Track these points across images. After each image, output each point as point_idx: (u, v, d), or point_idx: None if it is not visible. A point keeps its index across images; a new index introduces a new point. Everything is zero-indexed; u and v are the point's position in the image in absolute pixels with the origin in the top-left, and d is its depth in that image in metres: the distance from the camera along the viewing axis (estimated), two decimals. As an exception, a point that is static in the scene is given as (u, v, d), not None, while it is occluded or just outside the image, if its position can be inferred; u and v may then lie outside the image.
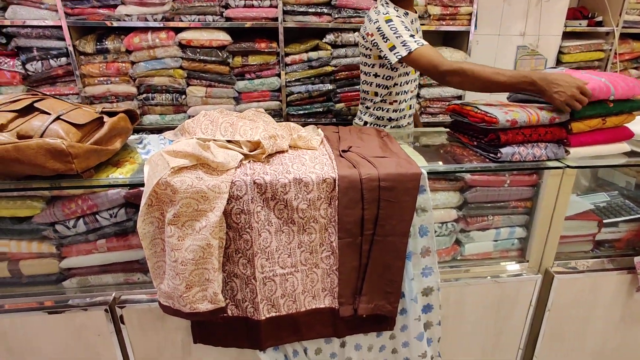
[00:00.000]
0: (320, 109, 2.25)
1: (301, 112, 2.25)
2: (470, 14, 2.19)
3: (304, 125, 1.52)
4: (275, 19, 2.04)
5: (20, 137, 1.05)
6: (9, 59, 1.99)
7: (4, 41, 1.96)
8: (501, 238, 1.39)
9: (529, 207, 1.37)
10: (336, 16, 2.09)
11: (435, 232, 1.33)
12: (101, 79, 2.05)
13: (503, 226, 1.38)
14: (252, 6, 2.01)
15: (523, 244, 1.42)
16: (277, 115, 2.25)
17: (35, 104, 1.13)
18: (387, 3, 1.58)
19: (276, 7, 2.03)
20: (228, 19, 2.03)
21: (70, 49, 1.97)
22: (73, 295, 1.23)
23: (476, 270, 1.39)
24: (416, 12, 1.68)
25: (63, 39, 1.96)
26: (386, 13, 1.49)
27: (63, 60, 2.01)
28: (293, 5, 2.05)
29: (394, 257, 1.21)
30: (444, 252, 1.37)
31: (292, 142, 1.33)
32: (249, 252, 1.15)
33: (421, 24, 2.14)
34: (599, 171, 1.75)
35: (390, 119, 1.76)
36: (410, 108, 1.78)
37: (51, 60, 2.00)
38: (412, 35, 1.46)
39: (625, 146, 1.37)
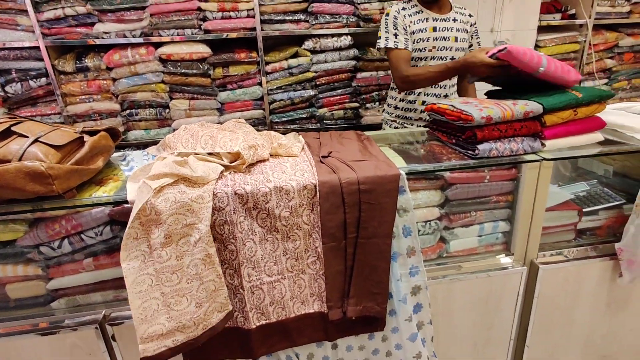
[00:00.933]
0: (304, 115, 2.27)
1: (284, 119, 2.27)
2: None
3: (287, 132, 1.55)
4: (254, 29, 2.06)
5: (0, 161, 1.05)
6: (-12, 83, 1.99)
7: (-18, 65, 1.96)
8: (485, 233, 1.41)
9: (510, 200, 1.39)
10: (313, 22, 2.11)
11: (419, 231, 1.35)
12: (83, 97, 2.05)
13: (486, 221, 1.40)
14: (230, 17, 2.03)
15: (507, 237, 1.44)
16: (261, 123, 2.26)
17: (13, 128, 1.13)
18: (407, 2, 1.78)
19: (254, 17, 2.05)
20: (207, 31, 2.04)
21: (50, 69, 1.97)
22: (62, 316, 1.23)
23: (463, 266, 1.41)
24: (449, 13, 1.78)
25: (41, 59, 1.97)
26: (390, 7, 1.75)
27: (43, 80, 2.01)
28: (270, 14, 2.07)
29: (379, 259, 1.22)
30: (429, 250, 1.39)
31: (273, 151, 1.35)
32: (234, 262, 1.16)
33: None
34: (578, 161, 1.79)
35: (397, 108, 1.88)
36: (422, 104, 1.87)
37: (30, 81, 2.01)
38: (396, 35, 1.69)
39: (598, 136, 1.41)
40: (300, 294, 1.22)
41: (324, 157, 1.30)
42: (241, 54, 2.09)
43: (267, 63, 2.14)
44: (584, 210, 1.50)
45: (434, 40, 1.75)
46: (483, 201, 1.37)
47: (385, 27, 1.73)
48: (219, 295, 1.11)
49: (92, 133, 1.28)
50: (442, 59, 1.77)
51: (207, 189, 1.10)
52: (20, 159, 1.05)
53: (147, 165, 1.20)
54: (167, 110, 2.14)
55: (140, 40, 2.00)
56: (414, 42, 1.73)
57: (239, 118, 2.23)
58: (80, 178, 1.14)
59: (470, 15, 1.84)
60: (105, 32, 1.96)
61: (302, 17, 2.10)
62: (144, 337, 1.04)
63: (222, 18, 2.02)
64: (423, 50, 1.76)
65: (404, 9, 1.76)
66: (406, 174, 1.21)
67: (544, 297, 1.44)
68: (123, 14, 1.95)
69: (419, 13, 1.75)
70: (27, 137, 1.11)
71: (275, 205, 1.14)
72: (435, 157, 1.34)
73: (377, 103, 2.34)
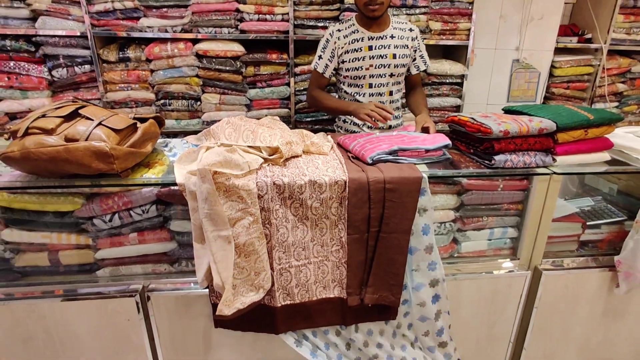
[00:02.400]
0: (327, 117, 2.39)
1: (308, 119, 2.39)
2: (469, 30, 2.34)
3: (312, 131, 1.68)
4: (286, 32, 2.19)
5: (68, 140, 1.18)
6: (36, 66, 2.12)
7: (32, 49, 2.09)
8: (494, 237, 1.53)
9: (520, 209, 1.50)
10: (343, 30, 2.23)
11: (435, 231, 1.47)
12: (122, 85, 2.18)
13: (496, 226, 1.51)
14: (265, 20, 2.15)
15: (514, 243, 1.55)
16: (286, 121, 2.38)
17: (80, 111, 1.26)
18: (343, 20, 1.84)
19: (287, 21, 2.17)
20: (242, 32, 2.17)
21: (95, 57, 2.10)
22: (106, 284, 1.36)
23: (471, 266, 1.52)
24: (386, 30, 1.79)
25: (88, 48, 2.10)
26: (330, 27, 1.84)
27: (87, 67, 2.14)
28: (303, 20, 2.19)
29: (397, 252, 1.34)
30: (442, 249, 1.50)
31: (305, 148, 1.47)
32: (268, 246, 1.28)
33: (423, 39, 2.29)
34: (585, 178, 1.90)
35: (353, 124, 1.94)
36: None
37: (76, 68, 2.14)
38: (320, 57, 1.83)
39: (606, 155, 1.51)
40: (323, 279, 1.34)
41: (354, 157, 1.42)
42: (273, 54, 2.22)
43: (296, 65, 2.26)
44: (587, 223, 1.61)
45: (370, 58, 1.77)
46: (495, 208, 1.49)
47: (319, 47, 1.83)
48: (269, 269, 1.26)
49: (142, 120, 1.41)
50: (381, 76, 1.80)
51: (251, 178, 1.23)
52: (86, 139, 1.18)
53: (192, 152, 1.32)
54: (199, 103, 2.26)
55: (180, 35, 2.12)
56: (350, 62, 1.76)
57: (266, 115, 2.36)
58: (135, 160, 1.27)
59: (411, 30, 1.82)
60: (149, 27, 2.09)
61: (332, 23, 2.22)
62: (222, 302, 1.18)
63: (258, 20, 2.15)
64: (360, 69, 1.78)
65: (339, 30, 1.79)
66: (428, 177, 1.33)
67: (545, 301, 1.55)
68: (167, 10, 2.08)
69: (354, 33, 1.77)
70: (92, 120, 1.24)
71: (308, 197, 1.26)
72: (453, 165, 1.45)
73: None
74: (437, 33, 2.33)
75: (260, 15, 2.14)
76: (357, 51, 1.76)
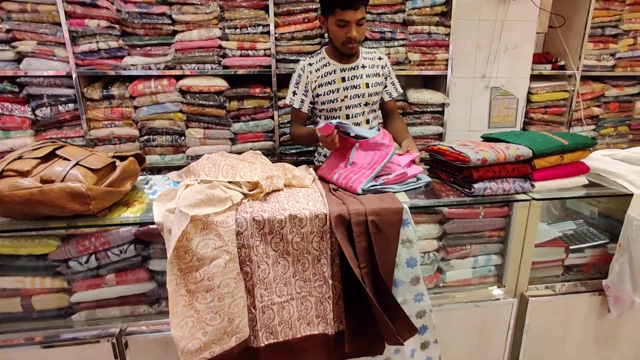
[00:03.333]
0: (312, 148, 2.40)
1: (293, 151, 2.41)
2: (447, 60, 2.41)
3: (296, 163, 1.69)
4: (269, 67, 2.23)
5: (43, 181, 1.17)
6: (19, 106, 2.12)
7: (16, 90, 2.11)
8: (479, 265, 1.52)
9: (503, 236, 1.51)
10: (324, 64, 2.29)
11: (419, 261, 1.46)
12: (105, 122, 2.19)
13: (480, 254, 1.51)
14: (248, 55, 2.20)
15: (499, 270, 1.55)
16: (271, 154, 2.40)
17: (57, 152, 1.26)
18: (314, 54, 1.86)
19: (269, 56, 2.22)
20: (225, 67, 2.21)
21: (78, 95, 2.12)
22: (82, 328, 1.31)
23: (457, 295, 1.50)
24: (357, 61, 1.82)
25: (72, 87, 2.11)
26: (300, 62, 1.84)
27: (71, 106, 2.15)
28: (285, 54, 2.25)
29: (382, 285, 1.32)
30: (427, 279, 1.49)
31: (287, 181, 1.47)
32: (249, 283, 1.26)
33: (402, 69, 2.36)
34: (567, 202, 1.92)
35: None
36: None
37: (60, 106, 2.15)
38: (294, 93, 1.83)
39: (583, 180, 1.54)
40: (307, 315, 1.31)
41: (334, 189, 1.42)
42: (256, 89, 2.25)
43: (279, 98, 2.30)
44: (570, 247, 1.61)
45: (344, 90, 1.79)
46: (478, 235, 1.49)
47: (292, 83, 1.83)
48: (247, 310, 1.23)
49: (121, 158, 1.41)
50: (357, 106, 1.83)
51: (230, 214, 1.22)
52: (62, 180, 1.17)
53: (172, 190, 1.31)
54: (183, 138, 2.27)
55: (164, 72, 2.15)
56: (325, 94, 1.79)
57: (250, 149, 2.37)
58: (112, 199, 1.26)
59: (380, 58, 1.85)
60: (133, 65, 2.12)
61: (303, 58, 2.27)
62: (184, 352, 1.14)
63: (241, 56, 2.19)
64: (335, 100, 1.80)
65: (310, 64, 1.81)
66: (409, 207, 1.33)
67: (534, 328, 1.53)
68: (150, 49, 2.12)
69: (326, 66, 1.79)
70: (69, 160, 1.23)
71: (288, 232, 1.25)
72: (435, 194, 1.46)
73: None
74: (416, 64, 2.39)
75: (242, 51, 2.19)
76: (330, 84, 1.79)
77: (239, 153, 2.29)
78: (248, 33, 2.17)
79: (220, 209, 1.21)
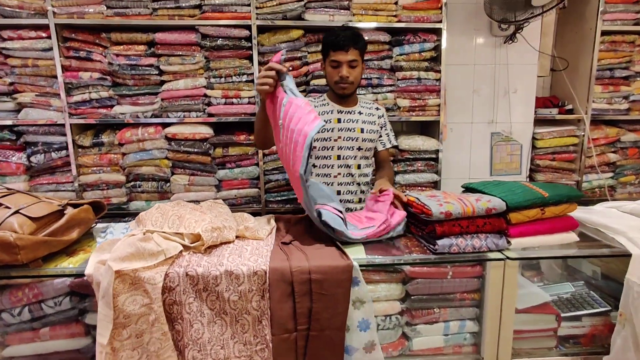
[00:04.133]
0: (294, 196, 2.34)
1: (279, 198, 2.35)
2: (439, 105, 2.33)
3: (282, 212, 1.62)
4: (254, 114, 2.24)
5: (-21, 229, 1.16)
6: (16, 152, 2.23)
7: (14, 138, 2.22)
8: (451, 332, 1.34)
9: (477, 299, 1.33)
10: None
11: (379, 325, 1.30)
12: (94, 168, 2.24)
13: (452, 319, 1.33)
14: (232, 103, 2.22)
15: (476, 338, 1.35)
16: (256, 202, 2.35)
17: (1, 199, 1.26)
18: (317, 97, 1.95)
19: (254, 104, 2.23)
20: (210, 115, 2.24)
21: (70, 143, 2.20)
22: (12, 387, 1.24)
23: (428, 368, 1.32)
24: (355, 106, 1.89)
25: (65, 135, 2.20)
26: None
27: (63, 152, 2.23)
28: (270, 102, 2.25)
29: (332, 354, 1.19)
30: (390, 346, 1.32)
31: (240, 233, 1.39)
32: (180, 343, 1.16)
33: (392, 115, 2.30)
34: (567, 260, 1.70)
35: None
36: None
37: (52, 153, 2.23)
38: None
39: (572, 236, 1.36)
40: (246, 384, 1.18)
41: (284, 243, 1.33)
42: (240, 136, 2.25)
43: (265, 145, 2.28)
44: (564, 315, 1.40)
45: (338, 130, 1.84)
46: (447, 298, 1.32)
47: None
48: None
49: (75, 206, 1.39)
50: (350, 149, 1.85)
51: (161, 269, 1.15)
52: (-3, 229, 1.15)
53: (114, 240, 1.27)
54: (168, 184, 2.28)
55: (152, 120, 2.21)
56: (320, 132, 1.77)
57: (235, 196, 2.34)
58: (49, 249, 1.22)
59: (377, 109, 1.93)
60: (122, 113, 2.19)
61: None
62: None
63: (225, 104, 2.22)
64: (329, 139, 1.84)
65: (312, 101, 1.90)
66: (361, 265, 1.21)
67: (521, 412, 1.30)
68: (138, 98, 2.19)
69: (325, 106, 1.88)
70: (9, 208, 1.23)
71: (224, 289, 1.16)
72: (397, 249, 1.33)
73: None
74: (405, 110, 2.33)
75: (227, 99, 2.21)
76: (327, 122, 1.83)
77: (225, 200, 2.30)
78: (232, 82, 2.21)
79: (151, 263, 1.14)
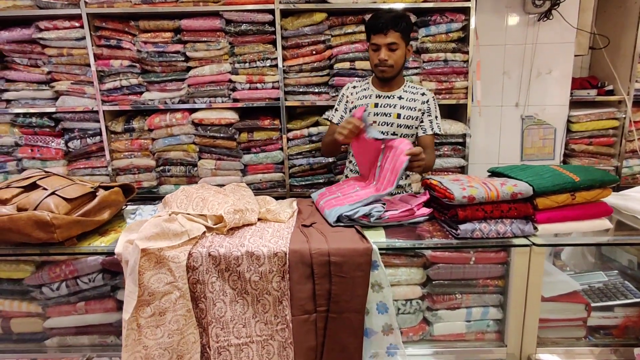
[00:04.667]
0: (321, 180, 2.34)
1: (303, 183, 2.36)
2: (467, 88, 2.25)
3: (306, 196, 1.66)
4: (278, 99, 2.25)
5: (19, 209, 1.23)
6: (55, 139, 2.34)
7: (52, 124, 2.33)
8: (474, 319, 1.32)
9: (501, 286, 1.30)
10: (333, 94, 2.25)
11: (400, 309, 1.30)
12: (126, 153, 2.33)
13: (474, 306, 1.31)
14: (257, 88, 2.24)
15: (500, 326, 1.33)
16: (280, 186, 2.38)
17: (39, 181, 1.33)
18: (361, 79, 1.97)
19: (278, 88, 2.24)
20: (235, 100, 2.26)
21: (103, 129, 2.29)
22: (53, 355, 1.34)
23: (448, 355, 1.31)
24: (395, 91, 1.87)
25: (98, 121, 2.29)
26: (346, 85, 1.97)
27: (97, 138, 2.33)
28: (293, 86, 2.25)
29: (351, 335, 1.19)
30: (411, 330, 1.32)
31: (262, 215, 1.42)
32: (204, 321, 1.20)
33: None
34: (603, 248, 1.63)
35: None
36: None
37: (88, 139, 2.33)
38: (336, 109, 1.94)
39: (605, 223, 1.29)
40: (268, 361, 1.21)
41: (304, 225, 1.34)
42: (265, 121, 2.27)
43: (289, 130, 2.29)
44: (594, 305, 1.34)
45: (375, 115, 1.84)
46: (470, 284, 1.30)
47: (337, 102, 1.95)
48: (197, 346, 1.18)
49: (107, 188, 1.46)
50: (384, 134, 1.82)
51: (184, 249, 1.19)
52: (35, 208, 1.23)
53: (142, 221, 1.32)
54: (196, 169, 2.34)
55: (178, 106, 2.26)
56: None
57: (260, 180, 2.38)
58: (82, 228, 1.29)
59: (423, 94, 1.87)
60: (150, 99, 2.26)
61: (323, 89, 2.25)
62: None
63: (250, 89, 2.24)
64: None
65: (354, 87, 1.92)
66: (381, 249, 1.20)
67: (545, 402, 1.27)
68: (166, 84, 2.25)
69: (365, 90, 1.89)
70: (47, 189, 1.30)
71: (245, 270, 1.18)
72: (418, 234, 1.31)
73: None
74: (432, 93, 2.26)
75: (251, 84, 2.23)
76: (365, 106, 1.82)
77: (250, 184, 2.34)
78: (257, 67, 2.22)
79: (176, 243, 1.18)
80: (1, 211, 1.21)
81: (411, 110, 1.84)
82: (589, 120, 2.37)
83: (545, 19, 2.27)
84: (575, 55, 2.36)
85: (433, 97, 1.89)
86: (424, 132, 1.88)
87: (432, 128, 1.88)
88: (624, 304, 1.35)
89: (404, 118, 1.83)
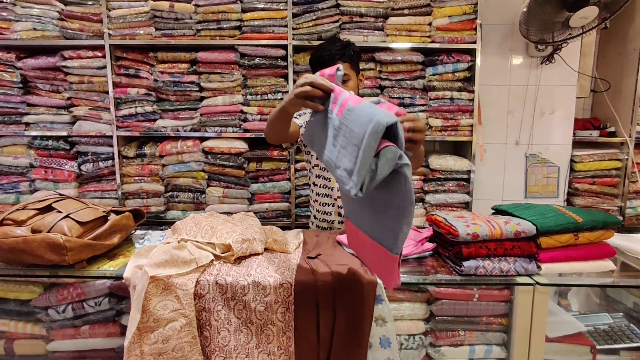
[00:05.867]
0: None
1: (308, 213, 2.39)
2: (472, 125, 2.31)
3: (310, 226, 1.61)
4: (287, 131, 2.31)
5: (34, 231, 1.27)
6: (69, 161, 2.41)
7: (67, 147, 2.40)
8: (477, 357, 1.31)
9: (505, 324, 1.30)
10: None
11: (402, 344, 1.30)
12: (136, 178, 2.38)
13: (477, 343, 1.31)
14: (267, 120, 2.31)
15: (504, 366, 1.31)
16: (286, 215, 2.40)
17: (54, 204, 1.37)
18: None
19: (288, 120, 2.30)
20: (246, 130, 2.33)
21: (116, 153, 2.35)
22: (53, 380, 1.33)
23: (453, 394, 1.29)
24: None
25: (112, 146, 2.36)
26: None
27: (109, 162, 2.39)
28: (303, 119, 2.32)
29: (352, 370, 1.19)
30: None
31: (268, 245, 1.44)
32: (207, 349, 1.20)
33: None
34: (607, 290, 1.62)
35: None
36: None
37: (100, 162, 2.39)
38: (300, 115, 1.68)
39: (609, 264, 1.30)
40: (268, 394, 1.20)
41: (309, 257, 1.36)
42: (274, 152, 2.33)
43: (296, 161, 2.34)
44: (600, 347, 1.33)
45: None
46: (473, 321, 1.30)
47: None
48: None
49: (118, 212, 1.49)
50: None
51: (192, 276, 1.21)
52: (49, 231, 1.26)
53: (151, 246, 1.35)
54: (203, 196, 2.38)
55: (190, 134, 2.33)
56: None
57: (267, 209, 2.40)
58: (93, 252, 1.32)
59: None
60: (164, 127, 2.33)
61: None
62: None
63: (260, 120, 2.31)
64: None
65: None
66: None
67: None
68: (179, 112, 2.33)
69: None
70: (61, 212, 1.34)
71: (251, 299, 1.20)
72: (422, 268, 1.32)
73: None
74: (438, 129, 2.32)
75: (262, 116, 2.30)
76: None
77: (256, 213, 2.37)
78: (268, 99, 2.30)
79: (184, 271, 1.20)
80: (16, 232, 1.25)
81: None
82: (592, 161, 2.41)
83: (547, 62, 2.36)
84: (578, 97, 2.43)
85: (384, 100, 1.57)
86: None
87: None
88: (630, 348, 1.34)
89: None
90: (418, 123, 1.01)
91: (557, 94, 2.39)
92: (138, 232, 1.65)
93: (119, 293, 1.33)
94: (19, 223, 1.28)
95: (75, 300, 1.32)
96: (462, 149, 2.45)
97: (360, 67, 2.27)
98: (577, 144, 2.44)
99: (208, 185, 2.38)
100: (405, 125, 0.96)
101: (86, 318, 1.34)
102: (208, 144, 2.31)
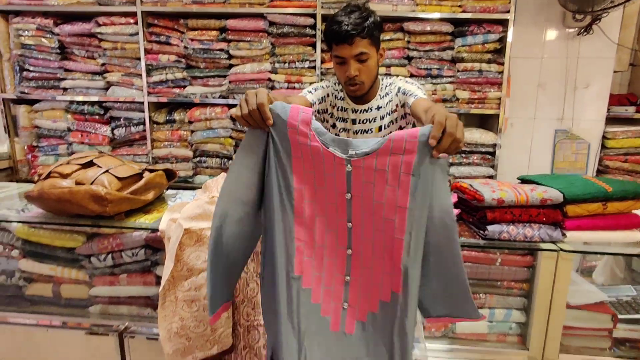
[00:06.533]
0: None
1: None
2: (500, 99, 2.27)
3: None
4: (313, 100, 2.32)
5: (77, 183, 1.35)
6: (103, 125, 2.50)
7: (102, 112, 2.49)
8: (496, 320, 1.34)
9: (526, 289, 1.32)
10: (367, 98, 2.31)
11: (423, 304, 1.34)
12: (166, 143, 2.46)
13: (497, 307, 1.34)
14: (294, 88, 2.33)
15: (522, 329, 1.34)
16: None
17: (95, 160, 1.45)
18: (336, 84, 1.61)
19: (314, 89, 2.32)
20: (273, 99, 2.36)
21: (147, 119, 2.43)
22: (94, 321, 1.44)
23: (469, 354, 1.33)
24: (372, 102, 1.55)
25: (143, 111, 2.43)
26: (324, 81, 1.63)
27: (140, 127, 2.47)
28: (329, 89, 2.33)
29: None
30: (433, 326, 1.35)
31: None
32: (236, 300, 1.27)
33: (449, 107, 2.28)
34: (633, 262, 1.61)
35: None
36: None
37: (132, 127, 2.48)
38: (315, 89, 1.56)
39: (637, 235, 1.29)
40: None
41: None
42: (299, 120, 2.35)
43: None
44: (621, 317, 1.34)
45: (354, 133, 1.59)
46: (494, 285, 1.32)
47: (312, 86, 1.59)
48: (230, 322, 1.25)
49: (152, 171, 1.57)
50: None
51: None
52: (91, 184, 1.34)
53: (183, 203, 1.42)
54: (230, 161, 2.44)
55: (218, 101, 2.37)
56: (336, 127, 1.62)
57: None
58: (130, 205, 1.39)
59: (391, 84, 1.53)
60: (193, 93, 2.38)
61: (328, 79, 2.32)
62: (169, 354, 1.20)
63: (288, 88, 2.33)
64: (347, 135, 1.61)
65: (335, 89, 1.60)
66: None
67: (565, 408, 1.28)
68: (208, 79, 2.37)
69: (342, 100, 1.58)
70: (101, 167, 1.41)
71: (279, 253, 1.25)
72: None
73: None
74: (464, 102, 2.29)
75: (289, 84, 2.32)
76: (343, 121, 1.61)
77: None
78: (296, 67, 2.31)
79: (216, 223, 1.26)
80: (62, 184, 1.33)
81: (391, 114, 1.54)
82: (626, 137, 2.33)
83: (585, 33, 2.27)
84: (615, 71, 2.34)
85: (400, 78, 1.55)
86: (414, 98, 1.39)
87: (415, 96, 1.40)
88: (652, 319, 1.34)
89: (386, 127, 1.56)
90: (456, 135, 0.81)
91: (593, 67, 2.31)
92: (169, 191, 1.73)
93: (154, 245, 1.41)
94: (64, 176, 1.36)
95: (114, 249, 1.41)
96: (488, 122, 2.41)
97: (388, 38, 2.27)
98: (611, 120, 2.37)
99: (235, 152, 2.44)
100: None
101: (124, 267, 1.43)
102: (235, 111, 2.35)
